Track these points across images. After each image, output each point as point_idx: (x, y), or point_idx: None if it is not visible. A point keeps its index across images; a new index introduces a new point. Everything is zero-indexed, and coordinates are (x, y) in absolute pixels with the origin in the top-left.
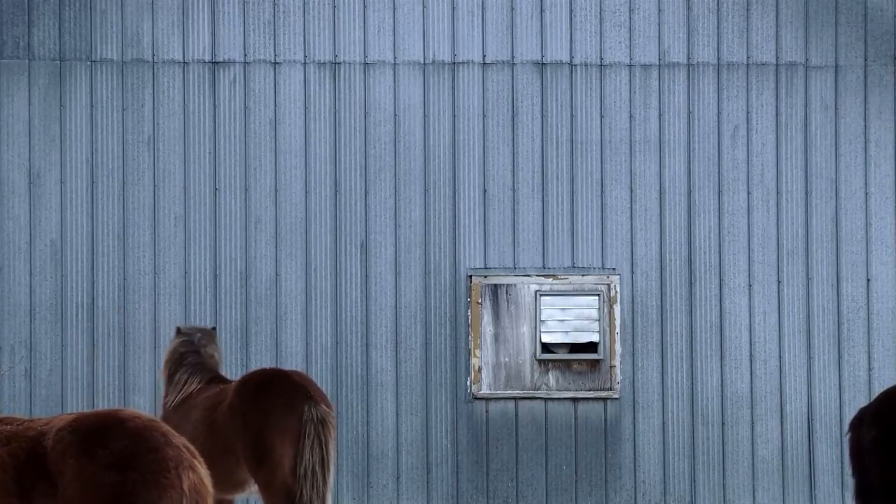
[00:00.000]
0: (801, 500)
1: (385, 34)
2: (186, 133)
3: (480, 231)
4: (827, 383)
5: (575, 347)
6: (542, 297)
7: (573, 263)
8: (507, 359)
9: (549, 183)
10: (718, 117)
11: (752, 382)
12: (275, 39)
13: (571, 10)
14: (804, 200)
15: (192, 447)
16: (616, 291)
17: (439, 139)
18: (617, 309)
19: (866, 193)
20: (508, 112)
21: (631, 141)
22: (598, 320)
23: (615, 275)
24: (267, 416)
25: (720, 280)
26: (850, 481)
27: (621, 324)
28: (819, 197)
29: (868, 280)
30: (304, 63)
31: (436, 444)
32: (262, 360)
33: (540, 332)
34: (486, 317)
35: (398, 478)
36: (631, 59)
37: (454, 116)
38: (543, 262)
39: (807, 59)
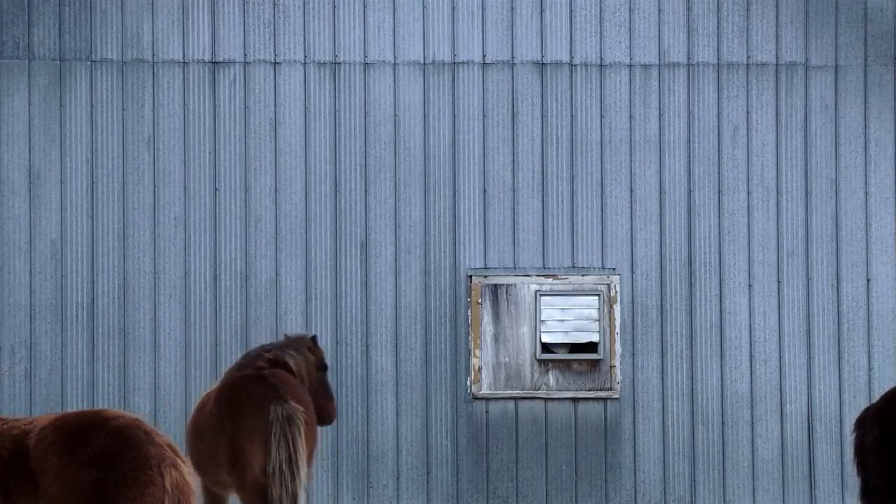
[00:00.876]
0: (801, 500)
1: (385, 34)
2: (186, 133)
3: (480, 231)
4: (827, 383)
5: (575, 347)
6: (542, 297)
7: (573, 263)
8: (507, 359)
9: (549, 183)
10: (718, 117)
11: (752, 382)
12: (275, 39)
13: (571, 10)
14: (804, 200)
15: (175, 445)
16: (616, 291)
17: (439, 139)
18: (617, 309)
19: (866, 193)
20: (508, 112)
21: (631, 141)
22: (598, 320)
23: (615, 275)
24: (238, 420)
25: (720, 280)
26: (850, 481)
27: (621, 324)
28: (819, 197)
29: (868, 280)
30: (304, 63)
31: (436, 444)
32: None
33: (540, 332)
34: (486, 317)
35: (398, 478)
36: (631, 59)
37: (454, 116)
38: (543, 262)
39: (807, 59)
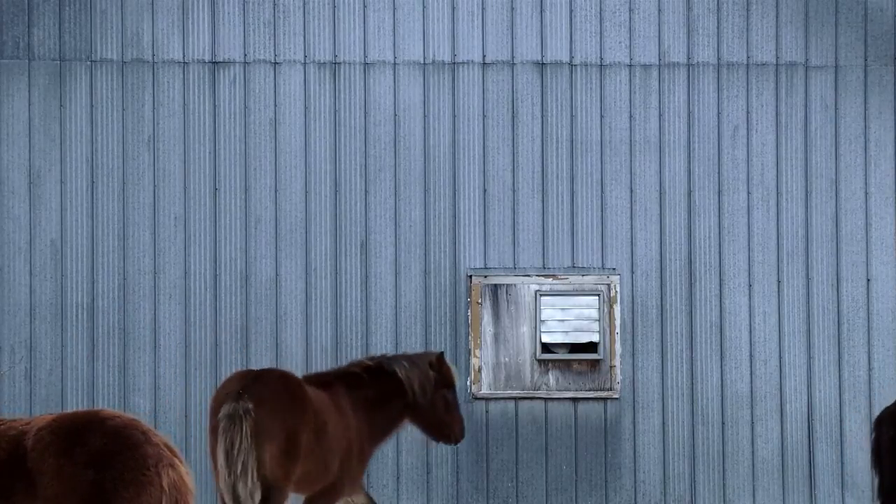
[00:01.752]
0: (801, 500)
1: (385, 34)
2: (186, 133)
3: (480, 231)
4: (827, 383)
5: (575, 347)
6: (542, 297)
7: (573, 263)
8: (507, 359)
9: (549, 183)
10: (718, 117)
11: (752, 382)
12: (275, 39)
13: (571, 10)
14: (804, 200)
15: (173, 446)
16: (616, 291)
17: (439, 139)
18: (617, 309)
19: (866, 193)
20: (508, 112)
21: (631, 141)
22: (598, 320)
23: (615, 275)
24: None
25: (720, 280)
26: (850, 481)
27: (621, 324)
28: (819, 197)
29: (868, 280)
30: (304, 63)
31: (436, 444)
32: (262, 361)
33: (540, 332)
34: (486, 317)
35: (398, 478)
36: (631, 59)
37: (454, 116)
38: (543, 262)
39: (807, 59)
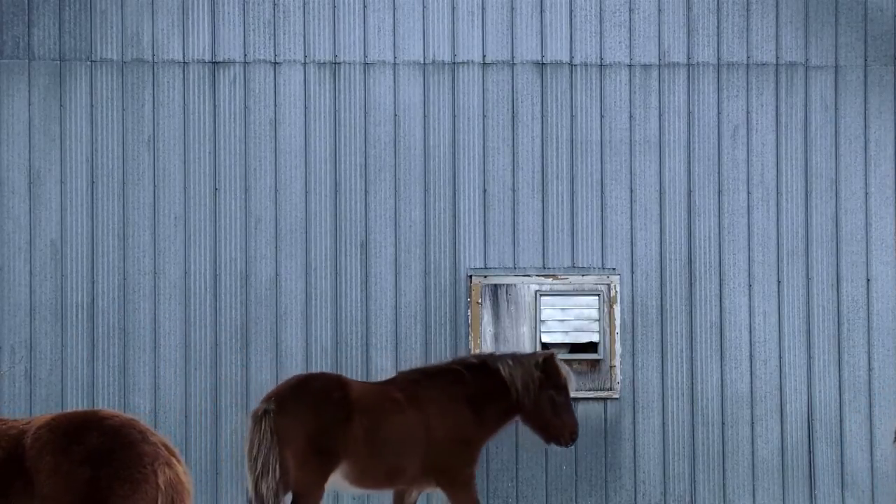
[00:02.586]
0: (801, 500)
1: (385, 34)
2: (186, 133)
3: (480, 231)
4: (827, 383)
5: (575, 347)
6: (542, 297)
7: (573, 263)
8: None
9: (549, 183)
10: (718, 117)
11: (752, 382)
12: (275, 39)
13: (571, 10)
14: (804, 200)
15: (171, 445)
16: (616, 291)
17: (439, 139)
18: (617, 309)
19: (866, 193)
20: (508, 112)
21: (631, 141)
22: (598, 320)
23: (615, 275)
24: None
25: (720, 280)
26: (850, 481)
27: (621, 324)
28: (819, 197)
29: (868, 280)
30: (304, 63)
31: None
32: (261, 361)
33: (540, 332)
34: (486, 317)
35: None
36: (631, 59)
37: (454, 116)
38: (543, 262)
39: (807, 59)
